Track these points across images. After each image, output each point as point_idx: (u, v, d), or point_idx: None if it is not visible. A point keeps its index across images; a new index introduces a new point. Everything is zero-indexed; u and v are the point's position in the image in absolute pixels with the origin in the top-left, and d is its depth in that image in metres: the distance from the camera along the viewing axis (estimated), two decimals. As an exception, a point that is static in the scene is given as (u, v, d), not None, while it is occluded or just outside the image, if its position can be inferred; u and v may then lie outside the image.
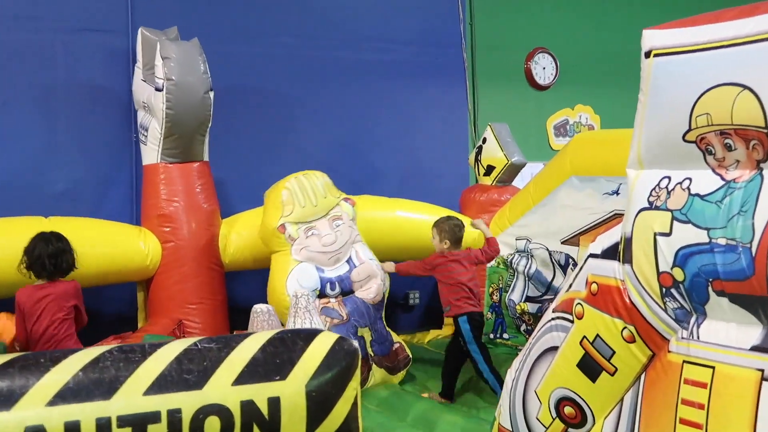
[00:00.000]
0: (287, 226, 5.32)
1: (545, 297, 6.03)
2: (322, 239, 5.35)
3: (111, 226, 5.63)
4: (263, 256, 5.76)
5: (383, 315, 5.54)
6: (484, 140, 6.94)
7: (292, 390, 2.55)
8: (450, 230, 5.13)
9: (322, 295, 5.27)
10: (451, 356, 5.11)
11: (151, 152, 5.67)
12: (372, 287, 5.43)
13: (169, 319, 5.52)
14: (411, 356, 5.55)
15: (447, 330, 6.84)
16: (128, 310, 6.01)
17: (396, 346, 5.48)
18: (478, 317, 5.03)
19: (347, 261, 5.43)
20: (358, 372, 2.67)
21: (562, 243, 5.87)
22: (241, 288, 6.33)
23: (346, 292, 5.37)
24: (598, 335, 3.06)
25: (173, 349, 2.57)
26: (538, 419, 3.36)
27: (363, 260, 5.47)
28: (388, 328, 5.55)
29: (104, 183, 6.18)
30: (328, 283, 5.29)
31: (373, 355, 5.35)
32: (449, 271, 5.04)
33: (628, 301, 2.94)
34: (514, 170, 6.86)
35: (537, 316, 6.01)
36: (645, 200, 2.89)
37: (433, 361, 5.91)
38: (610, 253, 3.05)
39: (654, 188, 2.87)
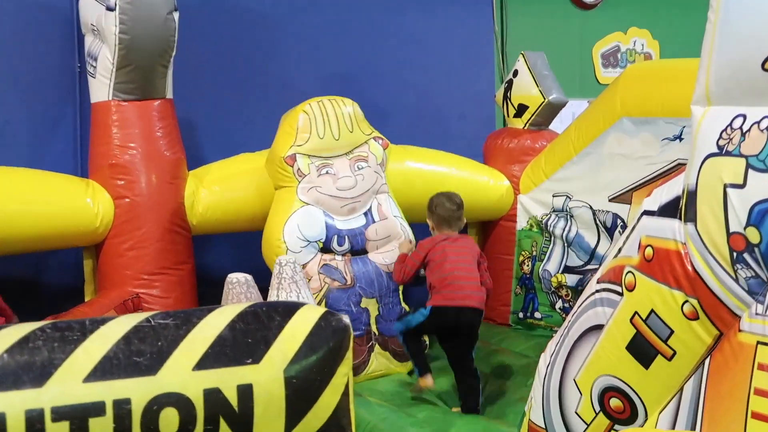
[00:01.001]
0: (298, 158, 5.38)
1: (588, 267, 6.04)
2: (338, 181, 5.42)
3: (50, 178, 5.61)
4: (241, 216, 5.75)
5: (401, 288, 5.57)
6: (516, 73, 6.90)
7: (267, 376, 2.56)
8: (438, 207, 5.18)
9: (326, 249, 5.35)
10: (407, 338, 5.11)
11: (100, 87, 5.65)
12: (391, 251, 5.46)
13: (124, 292, 5.53)
14: (427, 341, 5.54)
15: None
16: (73, 282, 6.02)
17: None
18: (451, 314, 4.95)
19: (365, 213, 5.51)
20: (349, 354, 2.68)
21: (609, 200, 5.87)
22: (213, 255, 6.34)
23: (357, 251, 5.44)
24: (652, 311, 3.06)
25: (120, 325, 2.57)
26: (577, 414, 3.39)
27: (385, 216, 5.52)
28: (404, 304, 5.55)
29: (41, 125, 6.16)
30: (336, 236, 5.36)
31: (377, 333, 5.41)
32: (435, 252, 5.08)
33: (690, 268, 2.94)
34: (551, 110, 6.82)
35: (577, 291, 6.03)
36: (713, 144, 2.88)
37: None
38: (669, 209, 3.06)
39: (725, 129, 2.86)
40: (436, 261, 5.04)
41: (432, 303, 4.98)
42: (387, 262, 5.48)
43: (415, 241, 5.47)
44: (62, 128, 6.21)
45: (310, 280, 5.30)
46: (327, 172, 5.42)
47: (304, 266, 5.28)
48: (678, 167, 5.15)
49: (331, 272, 5.30)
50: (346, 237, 5.39)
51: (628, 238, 3.26)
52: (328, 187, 5.40)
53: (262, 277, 4.49)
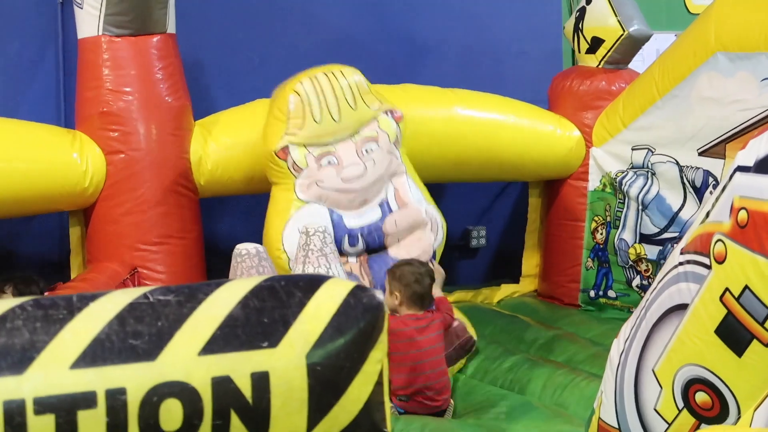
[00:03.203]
0: (291, 150, 5.33)
1: (667, 234, 6.01)
2: (343, 171, 5.38)
3: (29, 129, 5.68)
4: (257, 175, 5.78)
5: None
6: (588, 0, 6.86)
7: (286, 363, 2.56)
8: (405, 278, 4.95)
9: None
10: None
11: (88, 20, 5.67)
12: (417, 244, 5.49)
13: (119, 265, 5.59)
14: (476, 339, 5.56)
15: (526, 284, 6.88)
16: (58, 252, 6.10)
17: (455, 324, 5.43)
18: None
19: (380, 204, 5.49)
20: (383, 337, 2.68)
21: (700, 154, 5.87)
22: (224, 222, 6.39)
23: (374, 248, 5.45)
24: (747, 287, 3.06)
25: (113, 303, 2.58)
26: (656, 411, 3.40)
27: (405, 202, 5.51)
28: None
29: (18, 67, 6.23)
30: (347, 236, 5.36)
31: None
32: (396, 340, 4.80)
33: (792, 235, 2.92)
34: (632, 45, 6.79)
35: (659, 266, 6.00)
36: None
37: (508, 333, 5.95)
38: (768, 165, 3.04)
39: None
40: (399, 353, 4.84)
41: (398, 405, 4.90)
42: (411, 257, 5.44)
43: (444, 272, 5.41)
44: (42, 70, 6.26)
45: None
46: (329, 163, 5.37)
47: None
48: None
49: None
50: (359, 235, 5.39)
51: (717, 199, 3.24)
52: (332, 180, 5.36)
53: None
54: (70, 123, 6.00)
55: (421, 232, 5.53)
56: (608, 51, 6.77)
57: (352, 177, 5.40)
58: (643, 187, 6.14)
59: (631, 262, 6.26)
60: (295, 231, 5.16)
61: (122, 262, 5.62)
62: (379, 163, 5.48)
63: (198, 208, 5.94)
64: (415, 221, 5.52)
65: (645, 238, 6.19)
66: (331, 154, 5.40)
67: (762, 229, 3.01)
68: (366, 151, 5.46)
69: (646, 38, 6.80)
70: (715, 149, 5.73)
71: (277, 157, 5.32)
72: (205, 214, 6.03)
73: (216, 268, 5.72)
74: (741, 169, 3.16)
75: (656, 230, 6.10)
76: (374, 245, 5.45)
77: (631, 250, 6.24)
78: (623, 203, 6.29)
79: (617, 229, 6.33)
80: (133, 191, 5.66)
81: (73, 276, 5.84)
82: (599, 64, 6.82)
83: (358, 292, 2.70)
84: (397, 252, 5.47)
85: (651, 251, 6.17)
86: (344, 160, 5.41)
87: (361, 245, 5.40)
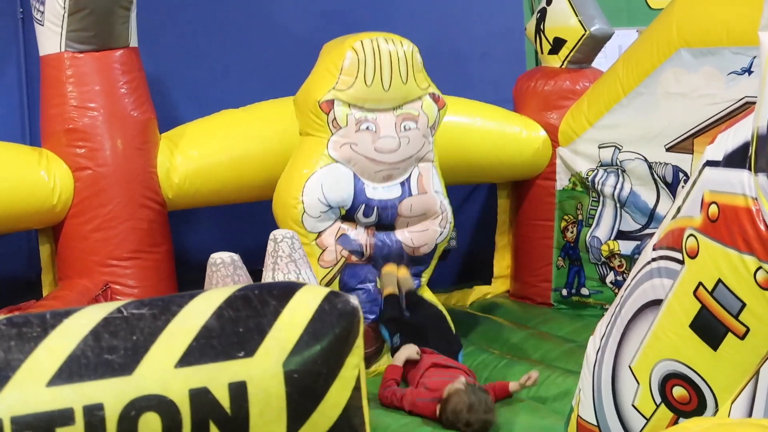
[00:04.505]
0: (336, 106, 5.32)
1: (646, 231, 6.04)
2: (378, 141, 5.39)
3: (-4, 147, 5.65)
4: (226, 186, 5.77)
5: (426, 274, 5.64)
6: (549, 0, 6.88)
7: (263, 371, 2.56)
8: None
9: (348, 217, 5.37)
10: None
11: (50, 36, 5.65)
12: (423, 231, 5.50)
13: (90, 281, 5.56)
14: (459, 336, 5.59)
15: (498, 286, 6.89)
16: (28, 270, 6.07)
17: None
18: None
19: (402, 183, 5.50)
20: (359, 342, 2.69)
21: (667, 150, 5.89)
22: (194, 235, 6.37)
23: (384, 225, 5.46)
24: (720, 281, 3.06)
25: (87, 318, 2.58)
26: (634, 407, 3.41)
27: (425, 190, 5.53)
28: (430, 293, 5.64)
29: (-23, 84, 6.19)
30: (364, 206, 5.38)
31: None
32: None
33: (763, 228, 2.93)
34: (594, 44, 6.81)
35: (633, 261, 6.03)
36: (788, 76, 2.85)
37: (481, 336, 5.96)
38: (737, 158, 3.05)
39: (801, 57, 2.86)
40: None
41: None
42: (414, 245, 5.52)
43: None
44: (3, 87, 6.22)
45: (324, 251, 5.34)
46: (367, 128, 5.37)
47: (319, 234, 5.31)
48: (747, 107, 5.09)
49: (348, 243, 5.34)
50: (376, 208, 5.40)
51: (688, 194, 3.24)
52: (366, 146, 5.37)
53: (255, 259, 4.53)
54: (35, 140, 5.98)
55: (430, 223, 5.55)
56: (571, 51, 6.79)
57: (386, 149, 5.41)
58: (615, 185, 6.16)
59: (604, 259, 6.28)
60: (319, 186, 5.27)
61: (93, 278, 5.59)
62: (413, 142, 5.49)
63: (167, 221, 5.92)
64: (429, 210, 5.55)
65: (624, 235, 6.22)
66: (371, 121, 5.40)
67: (733, 223, 3.02)
68: (405, 128, 5.47)
69: (608, 37, 6.82)
70: (683, 144, 5.75)
71: (321, 109, 5.30)
72: (174, 227, 6.00)
73: (188, 280, 5.70)
74: (710, 163, 3.17)
75: (637, 227, 6.14)
76: (385, 222, 5.47)
77: (604, 247, 6.26)
78: (597, 202, 6.30)
79: (589, 227, 6.34)
80: (102, 207, 5.64)
81: (45, 293, 5.81)
82: (562, 64, 6.84)
83: (332, 298, 2.71)
84: (402, 234, 5.51)
85: (626, 247, 6.19)
86: (382, 130, 5.41)
87: (374, 218, 5.43)
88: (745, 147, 3.02)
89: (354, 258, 5.35)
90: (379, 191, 5.43)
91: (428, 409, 4.73)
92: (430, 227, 5.56)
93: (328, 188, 5.29)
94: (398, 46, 5.43)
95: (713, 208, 3.09)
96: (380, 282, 5.50)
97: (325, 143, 5.33)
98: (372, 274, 5.42)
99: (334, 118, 5.31)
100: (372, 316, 5.41)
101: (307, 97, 5.39)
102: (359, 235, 5.40)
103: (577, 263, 6.48)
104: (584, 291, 6.49)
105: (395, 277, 5.43)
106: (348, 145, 5.34)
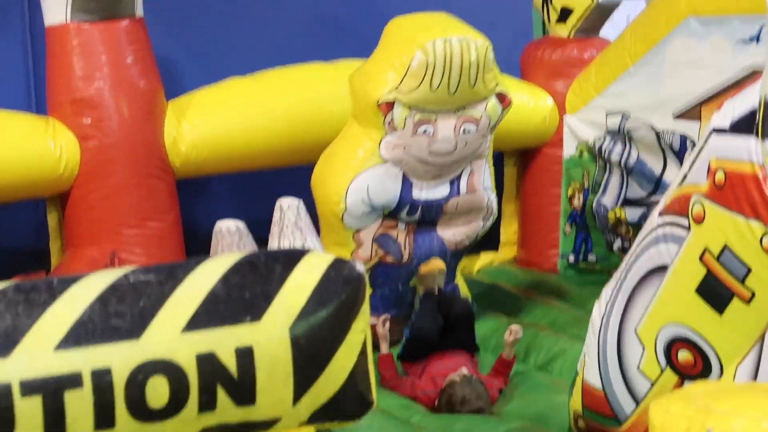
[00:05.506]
0: (396, 109, 5.11)
1: (652, 198, 6.04)
2: (434, 144, 5.22)
3: (4, 117, 5.64)
4: (234, 154, 5.76)
5: (459, 265, 5.66)
6: (556, -31, 6.86)
7: (270, 336, 2.58)
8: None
9: (391, 216, 5.30)
10: None
11: (55, 6, 5.64)
12: (465, 227, 5.50)
13: (98, 250, 5.58)
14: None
15: (505, 252, 6.88)
16: (36, 240, 6.08)
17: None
18: None
19: (452, 182, 5.41)
20: (365, 308, 2.70)
21: (675, 118, 5.86)
22: (202, 203, 6.36)
23: (426, 222, 5.41)
24: (726, 246, 3.08)
25: (94, 284, 2.59)
26: (640, 370, 3.43)
27: (475, 188, 5.45)
28: (463, 284, 5.66)
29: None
30: (409, 206, 5.30)
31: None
32: None
33: (770, 193, 2.95)
34: (601, 13, 6.79)
35: (639, 227, 6.02)
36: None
37: (488, 303, 5.97)
38: (744, 125, 3.07)
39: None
40: None
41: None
42: (457, 239, 5.47)
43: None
44: (11, 57, 6.21)
45: (360, 247, 5.30)
46: (425, 132, 5.17)
47: (358, 231, 5.27)
48: (753, 75, 5.07)
49: (387, 244, 5.30)
50: (420, 207, 5.33)
51: (694, 161, 3.26)
52: (420, 149, 5.19)
53: (265, 228, 4.52)
54: (42, 110, 5.96)
55: (474, 217, 5.50)
56: (578, 20, 6.77)
57: (441, 152, 5.26)
58: (622, 153, 6.14)
59: (610, 226, 6.28)
60: (365, 188, 5.16)
61: (100, 247, 5.60)
62: (470, 144, 5.33)
63: (174, 189, 5.92)
64: (476, 207, 5.48)
65: (630, 202, 6.21)
66: (430, 123, 5.19)
67: (739, 189, 3.03)
68: (464, 131, 5.27)
69: (615, 6, 6.80)
70: (691, 112, 5.73)
71: (379, 109, 5.10)
72: (182, 195, 6.00)
73: (196, 249, 5.72)
74: (717, 131, 3.18)
75: (643, 194, 6.12)
76: (428, 219, 5.41)
77: (611, 214, 6.26)
78: (604, 169, 6.29)
79: (596, 194, 6.34)
80: (109, 177, 5.64)
81: (53, 262, 5.83)
82: (570, 33, 6.81)
83: (338, 264, 2.72)
84: (445, 232, 5.47)
85: (632, 214, 6.18)
86: (439, 134, 5.22)
87: (417, 216, 5.36)
88: (752, 114, 3.04)
89: (388, 258, 5.31)
90: (425, 192, 5.33)
91: (428, 399, 4.79)
92: (472, 222, 5.51)
93: (374, 191, 5.18)
94: (471, 48, 5.10)
95: (720, 175, 3.11)
96: (417, 280, 5.45)
97: (378, 142, 5.18)
98: (406, 274, 5.38)
99: (392, 119, 5.11)
100: (395, 311, 5.37)
101: (366, 90, 5.18)
102: (399, 235, 5.34)
103: (584, 230, 6.49)
104: (591, 257, 6.50)
105: (434, 278, 5.38)
106: (402, 147, 5.19)
